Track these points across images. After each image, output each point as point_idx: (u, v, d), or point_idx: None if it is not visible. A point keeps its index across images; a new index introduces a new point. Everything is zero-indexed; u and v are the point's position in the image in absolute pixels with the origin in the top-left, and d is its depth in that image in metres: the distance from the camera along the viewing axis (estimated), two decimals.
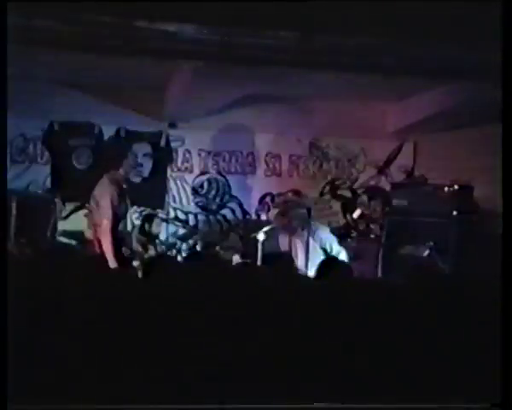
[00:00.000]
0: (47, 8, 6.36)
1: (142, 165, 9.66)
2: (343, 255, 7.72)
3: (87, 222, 8.05)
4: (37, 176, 9.47)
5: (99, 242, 7.44)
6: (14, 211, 8.52)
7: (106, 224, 7.42)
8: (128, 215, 8.37)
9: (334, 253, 7.70)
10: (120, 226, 7.75)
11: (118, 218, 7.61)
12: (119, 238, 7.43)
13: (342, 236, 9.40)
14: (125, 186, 7.77)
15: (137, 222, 9.19)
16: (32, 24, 6.71)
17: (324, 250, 7.67)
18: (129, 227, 8.97)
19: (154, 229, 9.32)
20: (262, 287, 4.21)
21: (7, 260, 3.76)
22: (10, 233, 8.28)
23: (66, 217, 9.43)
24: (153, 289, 4.23)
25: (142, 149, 9.69)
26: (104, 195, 7.66)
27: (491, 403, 3.45)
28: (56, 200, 9.13)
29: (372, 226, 9.73)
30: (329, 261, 5.73)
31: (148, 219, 9.33)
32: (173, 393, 3.63)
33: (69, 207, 9.49)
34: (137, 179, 9.60)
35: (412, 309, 4.04)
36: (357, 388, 3.72)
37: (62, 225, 9.22)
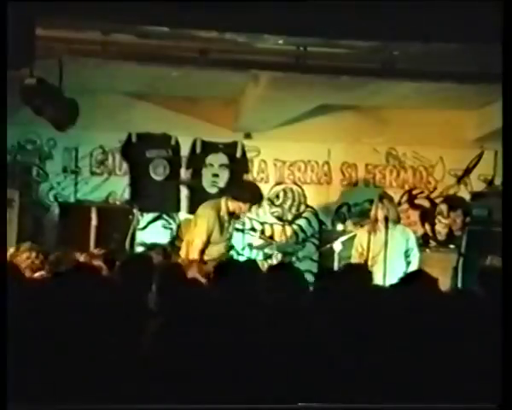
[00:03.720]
0: (124, 23, 6.46)
1: (218, 175, 9.72)
2: None
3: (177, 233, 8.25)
4: (115, 187, 9.62)
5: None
6: (94, 222, 8.67)
7: (197, 244, 7.61)
8: None
9: None
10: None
11: (209, 242, 7.82)
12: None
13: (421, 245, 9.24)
14: (226, 217, 7.95)
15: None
16: (110, 38, 6.84)
17: None
18: None
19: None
20: (338, 296, 4.15)
21: (6, 261, 3.78)
22: (90, 243, 8.43)
23: (145, 227, 9.54)
24: (228, 298, 4.22)
25: (218, 159, 9.74)
26: (202, 216, 7.90)
27: (491, 404, 3.32)
28: (135, 210, 9.25)
29: (451, 236, 9.55)
30: None
31: None
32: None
33: (147, 217, 9.60)
34: (214, 190, 9.68)
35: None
36: (357, 388, 3.63)
37: (140, 236, 9.34)
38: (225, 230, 8.07)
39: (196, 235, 7.92)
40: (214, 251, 7.94)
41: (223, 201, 8.09)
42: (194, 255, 7.74)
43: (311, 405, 3.45)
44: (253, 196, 8.19)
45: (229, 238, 8.29)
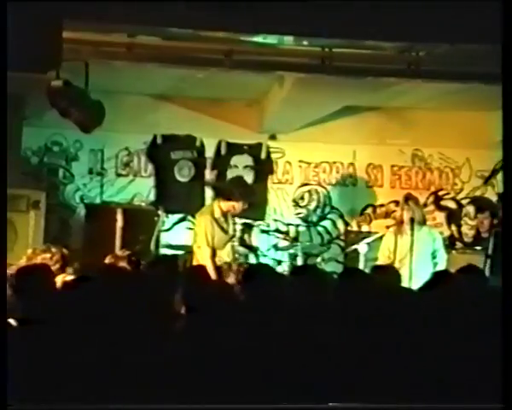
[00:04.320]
0: (150, 25, 6.49)
1: (242, 177, 9.73)
2: None
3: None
4: (141, 188, 9.66)
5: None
6: (119, 223, 8.71)
7: (203, 253, 7.59)
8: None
9: None
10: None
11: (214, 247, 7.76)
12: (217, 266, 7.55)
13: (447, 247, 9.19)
14: (222, 219, 7.88)
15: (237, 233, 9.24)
16: (136, 40, 6.88)
17: None
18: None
19: (253, 239, 9.34)
20: (365, 298, 4.13)
21: (5, 261, 3.78)
22: (115, 244, 8.47)
23: (169, 229, 9.57)
24: (252, 299, 4.22)
25: (242, 161, 9.75)
26: (199, 226, 7.86)
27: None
28: (160, 212, 9.28)
29: (478, 238, 9.48)
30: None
31: (246, 229, 9.37)
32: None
33: (172, 219, 9.63)
34: None
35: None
36: (356, 387, 3.61)
37: (165, 237, 9.36)
38: (226, 231, 8.01)
39: (200, 245, 7.86)
40: (223, 254, 7.90)
41: (215, 204, 8.03)
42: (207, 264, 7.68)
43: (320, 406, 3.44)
44: (242, 192, 8.11)
45: (233, 237, 8.20)
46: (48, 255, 5.67)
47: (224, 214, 7.98)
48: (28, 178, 8.85)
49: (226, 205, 7.95)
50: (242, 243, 9.25)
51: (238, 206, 7.99)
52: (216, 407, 3.41)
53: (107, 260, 6.28)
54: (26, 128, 8.60)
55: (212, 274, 6.44)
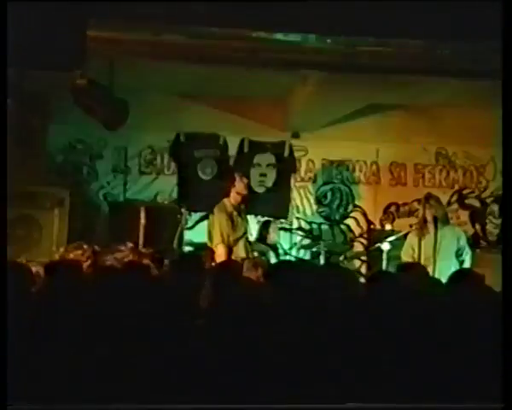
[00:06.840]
0: (174, 23, 6.52)
1: (265, 175, 9.74)
2: None
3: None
4: (164, 186, 9.70)
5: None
6: (142, 221, 8.75)
7: (219, 252, 7.59)
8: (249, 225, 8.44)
9: None
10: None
11: (230, 243, 7.77)
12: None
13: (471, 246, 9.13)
14: (235, 213, 7.89)
15: (256, 231, 9.26)
16: (160, 39, 6.90)
17: None
18: (251, 237, 9.06)
19: (272, 236, 9.34)
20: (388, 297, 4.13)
21: (6, 260, 3.79)
22: (139, 242, 8.51)
23: (192, 227, 9.60)
24: (274, 296, 4.23)
25: (265, 159, 9.76)
26: (215, 225, 7.88)
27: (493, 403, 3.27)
28: (183, 210, 9.32)
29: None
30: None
31: (265, 226, 9.38)
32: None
33: (195, 217, 9.65)
34: (261, 190, 9.70)
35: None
36: (357, 386, 3.59)
37: (188, 235, 9.39)
38: (240, 226, 8.02)
39: (216, 244, 7.87)
40: (239, 250, 7.92)
41: (225, 200, 8.06)
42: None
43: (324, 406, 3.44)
44: (233, 175, 8.16)
45: (245, 232, 8.19)
46: (79, 252, 5.73)
47: (237, 208, 8.00)
48: (53, 175, 8.92)
49: (233, 197, 7.99)
50: (262, 240, 9.28)
51: (239, 186, 8.01)
52: (218, 407, 3.41)
53: (130, 257, 6.33)
54: (51, 126, 8.67)
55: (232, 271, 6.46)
